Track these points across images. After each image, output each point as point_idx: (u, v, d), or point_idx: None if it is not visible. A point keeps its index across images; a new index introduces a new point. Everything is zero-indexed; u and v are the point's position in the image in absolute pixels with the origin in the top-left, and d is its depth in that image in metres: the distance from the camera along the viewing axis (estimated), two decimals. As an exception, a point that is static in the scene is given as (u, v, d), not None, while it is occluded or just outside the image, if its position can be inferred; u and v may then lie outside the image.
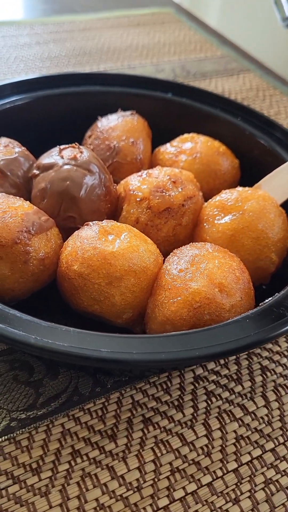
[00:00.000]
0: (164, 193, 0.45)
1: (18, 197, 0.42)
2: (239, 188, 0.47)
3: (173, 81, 0.61)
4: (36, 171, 0.46)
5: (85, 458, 0.36)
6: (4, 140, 0.49)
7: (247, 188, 0.47)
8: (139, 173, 0.47)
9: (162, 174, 0.47)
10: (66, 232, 0.43)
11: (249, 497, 0.35)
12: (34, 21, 1.00)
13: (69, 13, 1.06)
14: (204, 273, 0.38)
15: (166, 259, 0.41)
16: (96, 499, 0.34)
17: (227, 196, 0.46)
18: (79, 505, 0.33)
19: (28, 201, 0.42)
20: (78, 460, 0.36)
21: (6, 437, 0.36)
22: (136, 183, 0.46)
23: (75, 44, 0.93)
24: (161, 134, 0.57)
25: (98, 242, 0.39)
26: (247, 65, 0.93)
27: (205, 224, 0.46)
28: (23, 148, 0.49)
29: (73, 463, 0.35)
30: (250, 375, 0.43)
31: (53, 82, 0.57)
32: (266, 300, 0.37)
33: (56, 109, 0.57)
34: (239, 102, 0.58)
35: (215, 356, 0.31)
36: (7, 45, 0.90)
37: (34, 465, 0.35)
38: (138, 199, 0.45)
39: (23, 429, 0.37)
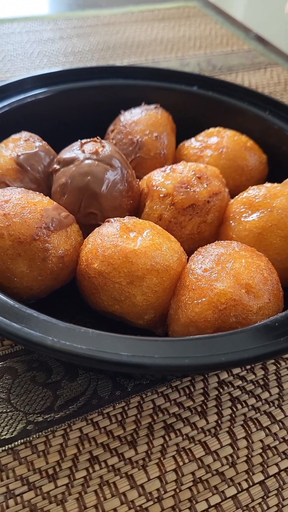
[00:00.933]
0: (188, 189, 0.43)
1: (37, 193, 0.41)
2: (268, 184, 0.45)
3: (198, 74, 0.59)
4: (56, 166, 0.44)
5: (103, 465, 0.34)
6: (25, 134, 0.48)
7: (276, 184, 0.45)
8: (163, 169, 0.45)
9: (187, 170, 0.45)
10: (87, 229, 0.42)
11: (276, 511, 0.33)
12: (58, 16, 0.99)
13: (93, 8, 1.05)
14: (230, 273, 0.36)
15: (190, 258, 0.39)
16: (114, 509, 0.32)
17: (254, 192, 0.44)
18: (97, 515, 0.32)
19: (48, 197, 0.41)
20: (96, 467, 0.34)
21: (22, 440, 0.35)
22: (159, 178, 0.44)
23: (99, 39, 0.91)
24: (186, 129, 0.55)
25: (119, 240, 0.37)
26: (275, 59, 0.90)
27: (231, 222, 0.44)
28: (43, 142, 0.48)
29: (90, 470, 0.34)
30: (278, 381, 0.40)
31: (75, 76, 0.56)
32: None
33: (78, 103, 0.55)
34: (267, 95, 0.56)
35: (242, 363, 0.29)
36: (31, 40, 0.89)
37: (50, 471, 0.34)
38: (161, 195, 0.43)
39: (40, 433, 0.35)
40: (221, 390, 0.39)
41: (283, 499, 0.34)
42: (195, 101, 0.57)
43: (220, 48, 0.92)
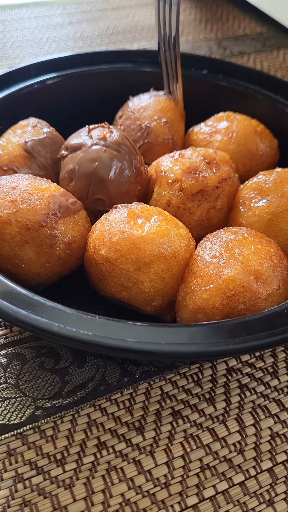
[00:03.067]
0: (197, 175, 0.42)
1: (45, 179, 0.41)
2: (278, 169, 0.44)
3: (208, 57, 0.58)
4: (64, 152, 0.44)
5: (111, 450, 0.34)
6: (33, 120, 0.48)
7: (286, 169, 0.44)
8: (171, 154, 0.45)
9: (196, 155, 0.44)
10: (95, 215, 0.42)
11: (284, 499, 0.33)
12: (67, 1, 0.98)
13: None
14: (239, 260, 0.36)
15: (198, 244, 0.39)
16: (122, 494, 0.32)
17: (265, 177, 0.43)
18: (104, 499, 0.32)
19: (55, 183, 0.41)
20: (104, 452, 0.34)
21: (30, 426, 0.35)
22: (168, 164, 0.44)
23: (108, 23, 0.90)
24: (195, 114, 0.54)
25: (126, 226, 0.37)
26: (287, 42, 0.88)
27: (240, 208, 0.43)
28: (51, 128, 0.47)
29: (98, 456, 0.34)
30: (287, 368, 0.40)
31: (83, 61, 0.55)
32: (307, 290, 0.34)
33: (86, 88, 0.55)
34: (279, 78, 0.55)
35: (249, 350, 0.29)
36: (40, 25, 0.88)
37: (58, 456, 0.34)
38: (169, 181, 0.43)
39: (48, 418, 0.36)
40: (229, 377, 0.39)
41: (291, 486, 0.33)
42: (204, 85, 0.56)
43: (231, 31, 0.91)
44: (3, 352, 0.40)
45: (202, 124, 0.52)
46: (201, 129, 0.52)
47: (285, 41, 0.88)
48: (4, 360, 0.39)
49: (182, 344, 0.29)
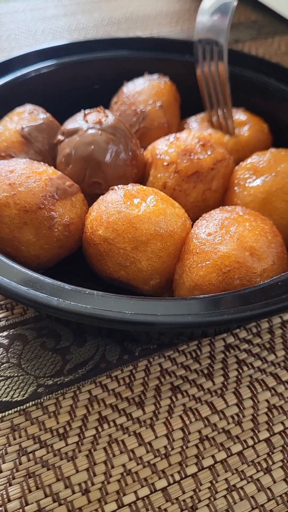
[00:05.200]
0: (192, 157, 0.43)
1: (42, 163, 0.41)
2: (272, 150, 0.45)
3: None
4: (60, 137, 0.45)
5: (112, 424, 0.35)
6: (29, 107, 0.48)
7: (280, 150, 0.44)
8: (167, 137, 0.46)
9: (191, 137, 0.45)
10: (92, 198, 0.42)
11: (281, 466, 0.34)
12: (61, -7, 0.98)
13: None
14: (234, 237, 0.36)
15: (194, 223, 0.40)
16: (123, 465, 0.33)
17: (259, 158, 0.44)
18: (106, 470, 0.33)
19: (52, 167, 0.41)
20: (105, 426, 0.35)
21: (33, 402, 0.36)
22: (163, 147, 0.44)
23: (103, 14, 0.91)
24: (191, 99, 0.54)
25: (123, 206, 0.37)
26: (282, 29, 0.89)
27: (235, 188, 0.44)
28: (48, 114, 0.48)
29: (100, 429, 0.35)
30: (284, 344, 0.41)
31: (77, 49, 0.56)
32: (300, 264, 0.35)
33: (81, 76, 0.55)
34: (272, 61, 0.55)
35: (244, 319, 0.30)
36: (35, 18, 0.88)
37: (61, 430, 0.35)
38: (165, 164, 0.43)
39: (50, 395, 0.37)
40: (227, 353, 0.40)
41: (289, 455, 0.34)
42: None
43: (226, 19, 0.91)
44: (5, 333, 0.40)
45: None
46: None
47: (280, 28, 0.89)
48: (6, 341, 0.40)
49: (179, 315, 0.30)
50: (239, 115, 0.51)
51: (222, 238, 0.36)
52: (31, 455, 0.33)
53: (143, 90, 0.51)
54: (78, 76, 0.55)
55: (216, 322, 0.29)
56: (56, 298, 0.30)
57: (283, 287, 0.32)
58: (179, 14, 0.91)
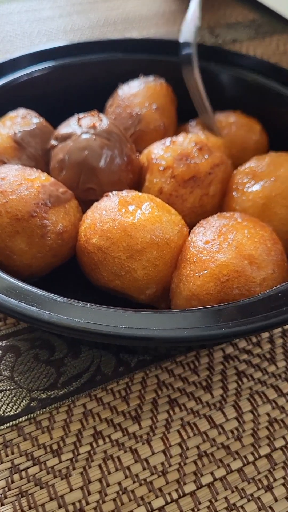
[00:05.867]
0: (189, 161, 0.42)
1: (35, 169, 0.40)
2: (271, 153, 0.43)
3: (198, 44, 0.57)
4: (54, 142, 0.44)
5: (107, 440, 0.34)
6: (22, 111, 0.47)
7: (280, 153, 0.43)
8: (162, 141, 0.44)
9: (187, 141, 0.44)
10: (86, 205, 0.41)
11: (283, 484, 0.32)
12: (57, -6, 0.97)
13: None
14: (232, 245, 0.35)
15: (191, 230, 0.39)
16: (119, 483, 0.32)
17: (258, 162, 0.43)
18: (101, 488, 0.32)
19: (45, 173, 0.40)
20: (100, 442, 0.34)
21: (26, 417, 0.35)
22: (159, 151, 0.43)
23: (99, 15, 0.89)
24: (187, 102, 0.53)
25: (117, 213, 0.36)
26: (281, 28, 0.87)
27: (234, 193, 0.43)
28: (41, 119, 0.47)
29: (95, 445, 0.34)
30: (285, 354, 0.40)
31: (71, 51, 0.55)
32: (301, 273, 0.34)
33: (75, 79, 0.54)
34: (270, 62, 0.54)
35: (243, 333, 0.29)
36: (30, 19, 0.87)
37: (54, 446, 0.34)
38: (161, 168, 0.42)
39: (44, 409, 0.35)
40: (226, 364, 0.39)
41: (290, 471, 0.33)
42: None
43: (224, 19, 0.90)
44: (-3, 344, 0.39)
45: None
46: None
47: (278, 28, 0.87)
48: (-1, 352, 0.39)
49: (175, 329, 0.28)
50: (230, 117, 0.50)
51: (220, 246, 0.35)
52: (23, 473, 0.32)
53: (139, 93, 0.50)
54: (72, 79, 0.54)
55: (214, 336, 0.28)
56: (47, 312, 0.29)
57: (283, 298, 0.31)
58: (176, 15, 0.90)
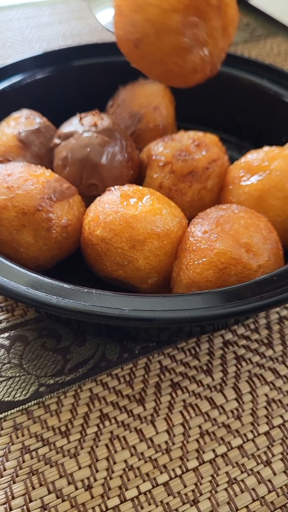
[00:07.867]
0: (187, 157, 0.44)
1: (39, 166, 0.42)
2: (266, 148, 0.45)
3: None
4: (57, 140, 0.46)
5: (113, 421, 0.36)
6: (26, 112, 0.49)
7: (273, 148, 0.45)
8: (162, 138, 0.46)
9: (186, 138, 0.45)
10: (89, 200, 0.43)
11: (281, 459, 0.34)
12: (55, 0, 0.99)
13: (91, -10, 1.04)
14: (229, 234, 0.37)
15: (190, 222, 0.40)
16: (125, 461, 0.34)
17: (253, 156, 0.45)
18: (108, 466, 0.33)
19: (49, 170, 0.42)
20: (107, 423, 0.36)
21: (35, 401, 0.37)
22: (158, 148, 0.45)
23: (97, 21, 0.91)
24: (184, 101, 0.55)
25: (119, 206, 0.38)
26: (274, 31, 0.90)
27: (230, 187, 0.44)
28: (44, 118, 0.49)
29: (101, 426, 0.35)
30: (282, 339, 0.41)
31: (73, 54, 0.57)
32: (295, 259, 0.36)
33: (76, 81, 0.56)
34: (264, 63, 0.56)
35: (240, 313, 0.30)
36: (30, 25, 0.89)
37: (63, 428, 0.35)
38: (160, 164, 0.44)
39: (52, 394, 0.37)
40: (226, 350, 0.41)
41: (288, 448, 0.35)
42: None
43: (219, 23, 0.92)
44: (6, 334, 0.41)
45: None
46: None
47: (272, 31, 0.90)
48: (8, 342, 0.40)
49: (176, 310, 0.30)
50: None
51: (218, 236, 0.37)
52: (34, 453, 0.34)
53: (138, 93, 0.52)
54: (73, 81, 0.56)
55: (213, 316, 0.30)
56: (55, 297, 0.31)
57: (278, 281, 0.33)
58: (172, 19, 0.92)
